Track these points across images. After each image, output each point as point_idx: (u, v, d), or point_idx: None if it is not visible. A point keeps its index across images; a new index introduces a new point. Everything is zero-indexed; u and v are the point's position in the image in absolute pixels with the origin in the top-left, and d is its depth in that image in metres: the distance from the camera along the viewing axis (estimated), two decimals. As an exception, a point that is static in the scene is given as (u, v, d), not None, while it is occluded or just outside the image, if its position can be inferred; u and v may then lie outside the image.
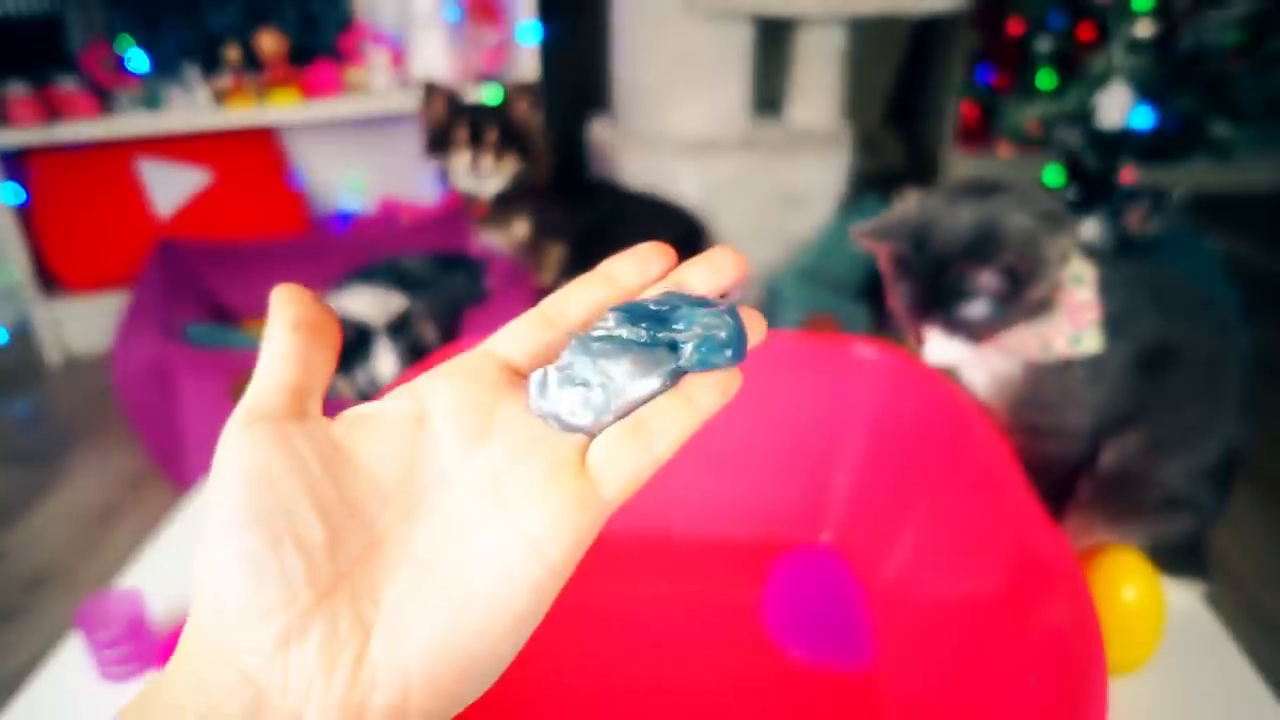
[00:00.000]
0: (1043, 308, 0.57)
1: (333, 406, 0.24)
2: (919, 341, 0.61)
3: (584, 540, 0.23)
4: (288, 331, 0.24)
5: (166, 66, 2.14)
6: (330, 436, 0.23)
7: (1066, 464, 0.64)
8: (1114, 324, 0.59)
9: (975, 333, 0.58)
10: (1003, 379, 0.63)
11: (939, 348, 0.59)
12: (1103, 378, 0.60)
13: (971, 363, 0.65)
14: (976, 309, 0.57)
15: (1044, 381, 0.61)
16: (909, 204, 0.60)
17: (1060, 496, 0.66)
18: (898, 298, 0.61)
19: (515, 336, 0.26)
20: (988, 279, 0.56)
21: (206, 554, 0.21)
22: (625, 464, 0.23)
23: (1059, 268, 0.56)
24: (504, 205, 1.72)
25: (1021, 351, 0.60)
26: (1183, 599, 0.66)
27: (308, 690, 0.21)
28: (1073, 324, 0.58)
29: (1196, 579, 0.67)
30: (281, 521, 0.21)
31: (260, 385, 0.24)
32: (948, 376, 0.64)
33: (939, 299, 0.58)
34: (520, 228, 1.76)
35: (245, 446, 0.22)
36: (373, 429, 0.24)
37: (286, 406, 0.23)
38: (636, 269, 0.27)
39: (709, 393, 0.24)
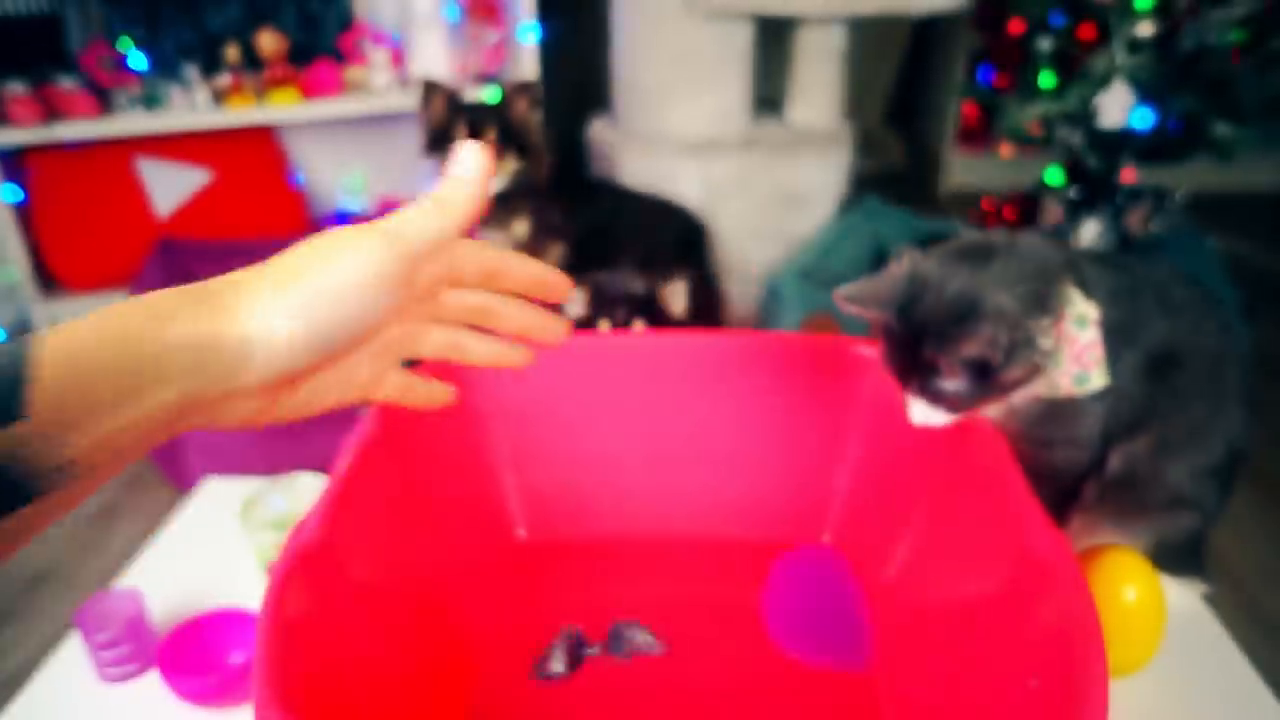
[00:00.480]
0: (1022, 384, 0.57)
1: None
2: (904, 403, 0.61)
3: None
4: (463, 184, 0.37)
5: (166, 66, 2.14)
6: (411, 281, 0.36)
7: (1076, 470, 0.64)
8: (1121, 332, 0.58)
9: (954, 406, 0.58)
10: (1015, 407, 0.63)
11: (921, 413, 0.59)
12: (1112, 388, 0.60)
13: None
14: (950, 385, 0.56)
15: (1055, 403, 0.61)
16: (902, 265, 0.59)
17: (1067, 500, 0.66)
18: (883, 360, 0.61)
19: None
20: (950, 368, 0.55)
21: (289, 315, 0.33)
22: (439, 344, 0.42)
23: (1042, 345, 0.56)
24: (504, 205, 1.72)
25: (1027, 394, 0.60)
26: (1183, 599, 0.66)
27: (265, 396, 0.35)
28: (1078, 366, 0.58)
29: (1197, 579, 0.67)
30: (351, 339, 0.36)
31: (409, 215, 0.36)
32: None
33: (917, 370, 0.57)
34: (520, 227, 1.76)
35: (377, 255, 0.34)
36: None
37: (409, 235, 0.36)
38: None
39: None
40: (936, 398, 0.57)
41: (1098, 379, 0.58)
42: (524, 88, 1.67)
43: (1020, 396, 0.60)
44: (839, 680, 0.61)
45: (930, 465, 0.64)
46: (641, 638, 0.63)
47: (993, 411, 0.63)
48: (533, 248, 1.78)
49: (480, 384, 0.69)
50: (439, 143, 1.67)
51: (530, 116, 1.68)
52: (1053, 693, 0.43)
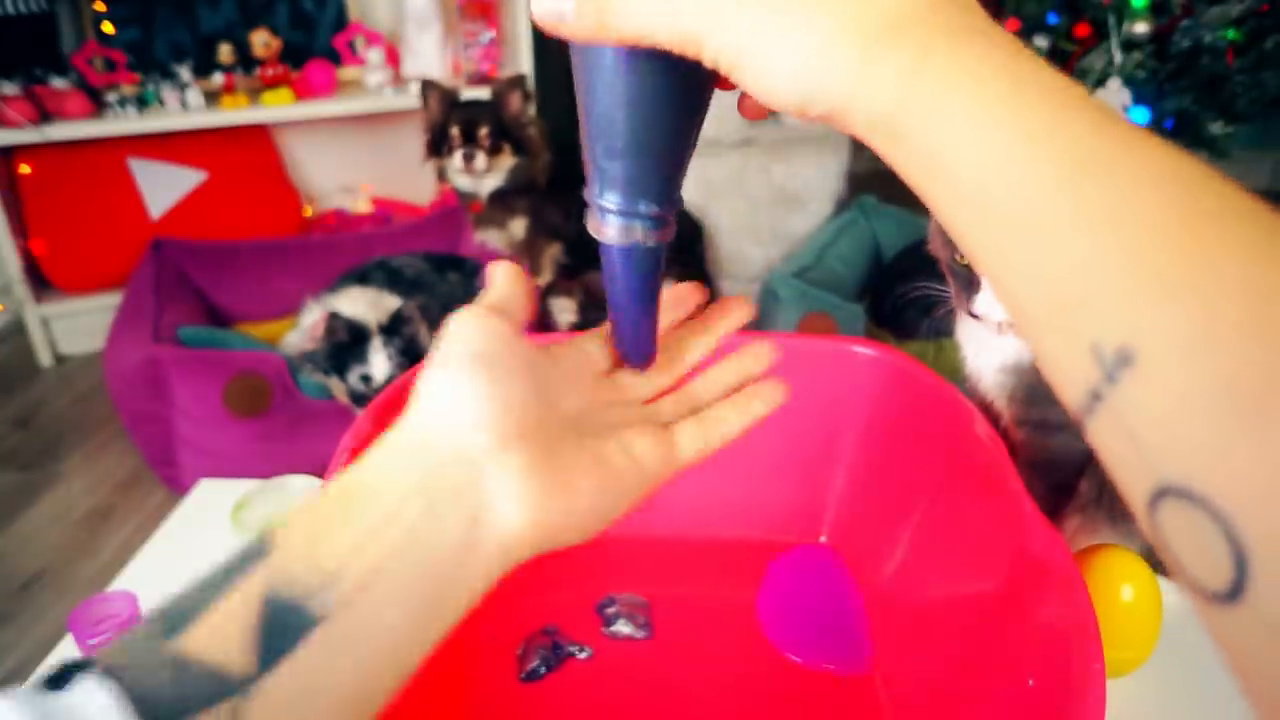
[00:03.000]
0: None
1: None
2: (967, 300, 0.61)
3: (668, 477, 0.37)
4: (512, 281, 0.35)
5: (160, 66, 2.13)
6: (530, 343, 0.33)
7: (1073, 460, 0.64)
8: None
9: None
10: (1010, 368, 0.63)
11: (991, 298, 0.60)
12: None
13: (987, 347, 0.65)
14: None
15: None
16: None
17: (1064, 494, 0.66)
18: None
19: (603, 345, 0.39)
20: None
21: (443, 378, 0.30)
22: (695, 445, 0.38)
23: None
24: (501, 203, 1.72)
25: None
26: (1181, 599, 0.66)
27: (512, 486, 0.29)
28: None
29: (1194, 578, 0.67)
30: (504, 372, 0.31)
31: (493, 297, 0.34)
32: (946, 376, 0.64)
33: None
34: (517, 226, 1.76)
35: (484, 321, 0.32)
36: (556, 356, 0.36)
37: (512, 313, 0.34)
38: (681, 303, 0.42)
39: (760, 403, 0.40)
40: None
41: None
42: (515, 82, 1.67)
43: (1020, 352, 0.61)
44: (835, 680, 0.61)
45: (927, 465, 0.64)
46: (627, 629, 0.64)
47: (990, 377, 0.64)
48: (529, 247, 1.78)
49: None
50: (438, 145, 1.67)
51: (524, 110, 1.68)
52: (1050, 692, 0.43)
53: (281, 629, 0.25)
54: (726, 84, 0.31)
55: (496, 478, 0.29)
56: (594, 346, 0.39)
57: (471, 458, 0.29)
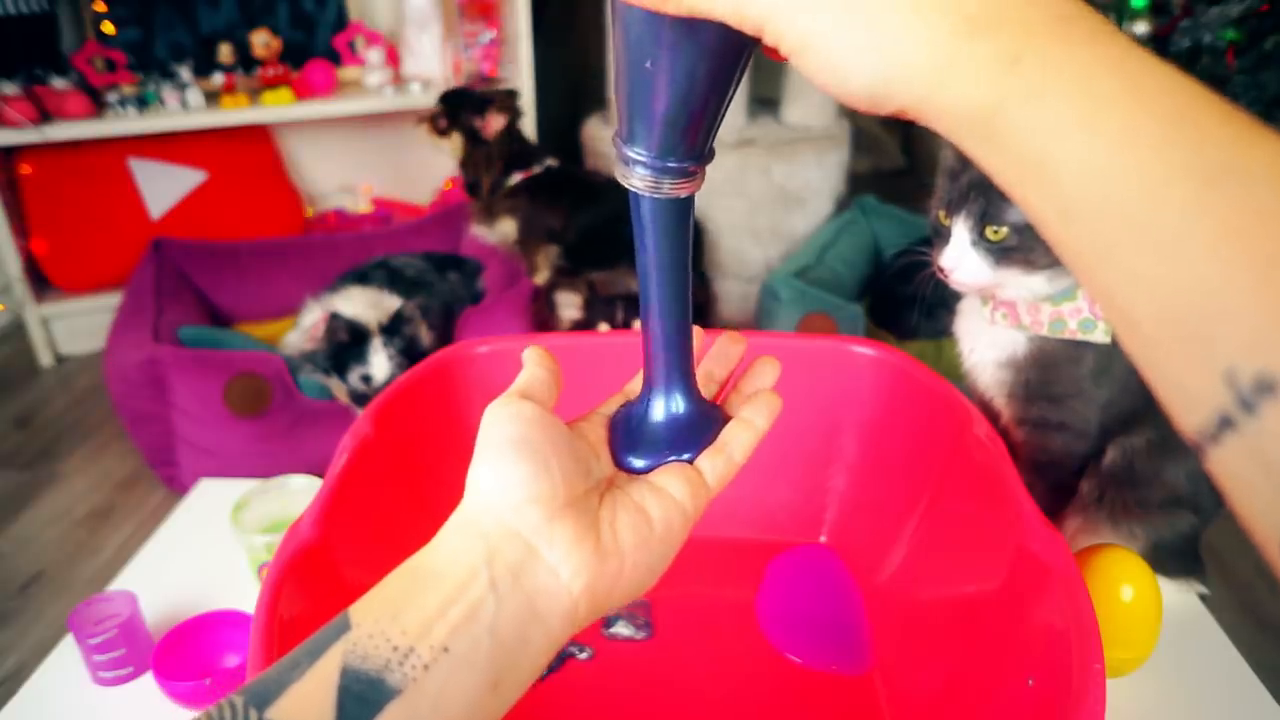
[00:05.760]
0: (1029, 264, 0.58)
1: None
2: (938, 256, 0.61)
3: (703, 509, 0.38)
4: (539, 365, 0.37)
5: (160, 66, 2.13)
6: (560, 421, 0.35)
7: (1072, 460, 0.64)
8: None
9: (1000, 249, 0.58)
10: (1007, 362, 0.63)
11: (957, 252, 0.59)
12: (1112, 373, 0.60)
13: (982, 342, 0.65)
14: (1015, 213, 0.57)
15: (1054, 372, 0.61)
16: None
17: (1064, 494, 0.66)
18: (940, 194, 0.62)
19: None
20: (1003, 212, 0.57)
21: (487, 466, 0.32)
22: (717, 470, 0.39)
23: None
24: (493, 201, 1.76)
25: (1033, 324, 0.60)
26: (1180, 600, 0.66)
27: (563, 555, 0.31)
28: (1090, 310, 0.59)
29: (1194, 580, 0.67)
30: (545, 451, 0.33)
31: (521, 383, 0.36)
32: (942, 374, 0.64)
33: (980, 193, 0.58)
34: (507, 225, 1.78)
35: (514, 408, 0.34)
36: (582, 431, 0.38)
37: (540, 396, 0.35)
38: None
39: (761, 417, 0.40)
40: (981, 232, 0.59)
41: (1102, 332, 0.59)
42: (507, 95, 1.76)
43: (1015, 343, 0.61)
44: (835, 680, 0.61)
45: (927, 465, 0.64)
46: (627, 629, 0.64)
47: (988, 371, 0.64)
48: (523, 246, 1.79)
49: (475, 383, 0.69)
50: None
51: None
52: (1050, 692, 0.43)
53: (360, 700, 0.27)
54: (776, 53, 0.27)
55: (550, 550, 0.31)
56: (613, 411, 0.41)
57: (525, 536, 0.31)
